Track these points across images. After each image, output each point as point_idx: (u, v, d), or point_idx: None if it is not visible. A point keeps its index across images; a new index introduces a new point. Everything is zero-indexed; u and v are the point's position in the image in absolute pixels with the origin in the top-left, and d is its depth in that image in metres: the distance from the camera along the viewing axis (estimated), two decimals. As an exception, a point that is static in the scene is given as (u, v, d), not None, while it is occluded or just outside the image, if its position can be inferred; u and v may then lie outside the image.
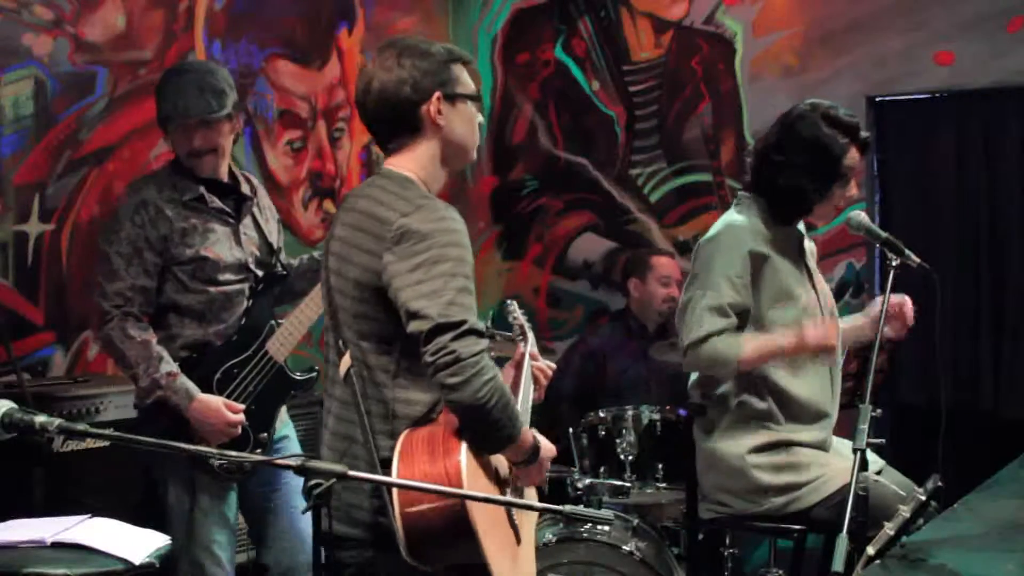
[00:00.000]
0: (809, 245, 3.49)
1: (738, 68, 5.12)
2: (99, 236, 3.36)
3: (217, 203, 3.33)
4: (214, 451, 2.07)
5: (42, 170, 3.99)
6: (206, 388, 3.26)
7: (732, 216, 3.36)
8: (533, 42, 5.63)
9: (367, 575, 2.46)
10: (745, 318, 3.26)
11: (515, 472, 2.59)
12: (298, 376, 3.46)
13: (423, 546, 2.30)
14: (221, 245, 3.31)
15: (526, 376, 2.90)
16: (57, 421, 1.92)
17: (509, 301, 3.26)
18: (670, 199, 5.34)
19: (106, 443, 3.27)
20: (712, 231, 3.36)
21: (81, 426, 1.96)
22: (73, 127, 4.08)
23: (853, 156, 3.30)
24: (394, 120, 2.52)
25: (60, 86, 4.03)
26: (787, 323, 3.27)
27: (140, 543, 2.80)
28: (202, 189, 3.30)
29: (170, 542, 2.89)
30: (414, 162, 2.55)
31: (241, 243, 3.36)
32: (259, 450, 3.34)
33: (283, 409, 3.49)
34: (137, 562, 2.71)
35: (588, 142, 5.52)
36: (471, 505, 2.28)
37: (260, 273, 3.40)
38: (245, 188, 3.44)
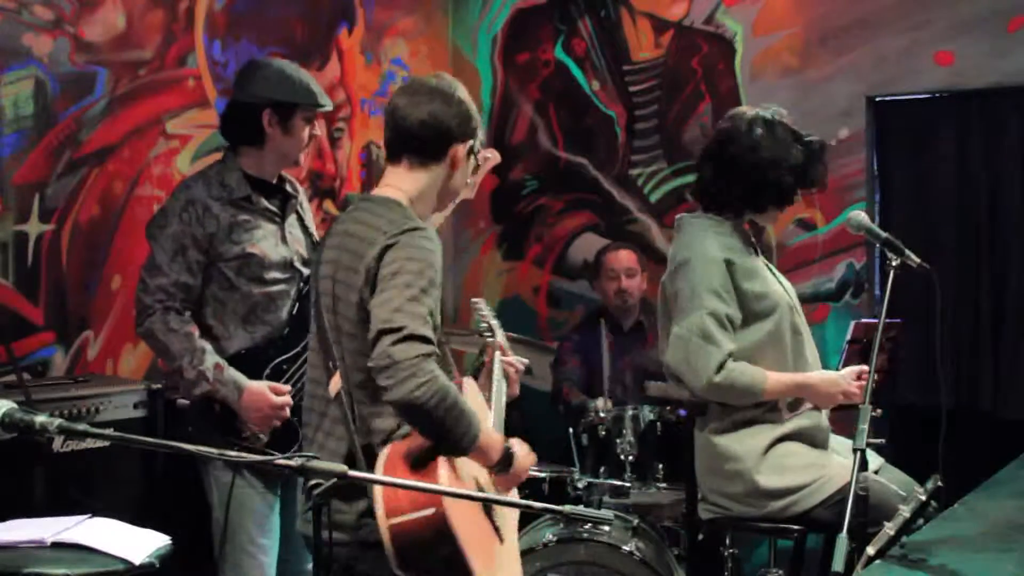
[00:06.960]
0: (765, 241, 3.52)
1: (738, 68, 5.12)
2: (146, 230, 3.36)
3: (263, 203, 3.35)
4: (214, 452, 2.05)
5: (42, 170, 3.99)
6: None
7: (686, 239, 3.37)
8: (533, 42, 5.63)
9: (351, 569, 2.55)
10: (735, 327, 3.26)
11: (494, 479, 2.66)
12: None
13: (410, 556, 2.38)
14: (267, 242, 3.33)
15: (497, 374, 2.94)
16: (57, 421, 1.92)
17: (475, 300, 3.27)
18: (670, 199, 5.33)
19: (106, 443, 3.27)
20: (674, 263, 3.35)
21: (81, 426, 1.96)
22: (73, 127, 4.07)
23: None
24: (425, 141, 2.68)
25: (60, 86, 4.03)
26: (768, 312, 3.29)
27: (140, 543, 2.80)
28: (249, 189, 3.32)
29: (170, 542, 2.88)
30: (412, 183, 2.70)
31: (287, 241, 3.38)
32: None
33: None
34: (137, 562, 2.71)
35: (588, 142, 5.52)
36: (451, 512, 2.36)
37: (306, 271, 3.37)
38: (289, 188, 3.47)
